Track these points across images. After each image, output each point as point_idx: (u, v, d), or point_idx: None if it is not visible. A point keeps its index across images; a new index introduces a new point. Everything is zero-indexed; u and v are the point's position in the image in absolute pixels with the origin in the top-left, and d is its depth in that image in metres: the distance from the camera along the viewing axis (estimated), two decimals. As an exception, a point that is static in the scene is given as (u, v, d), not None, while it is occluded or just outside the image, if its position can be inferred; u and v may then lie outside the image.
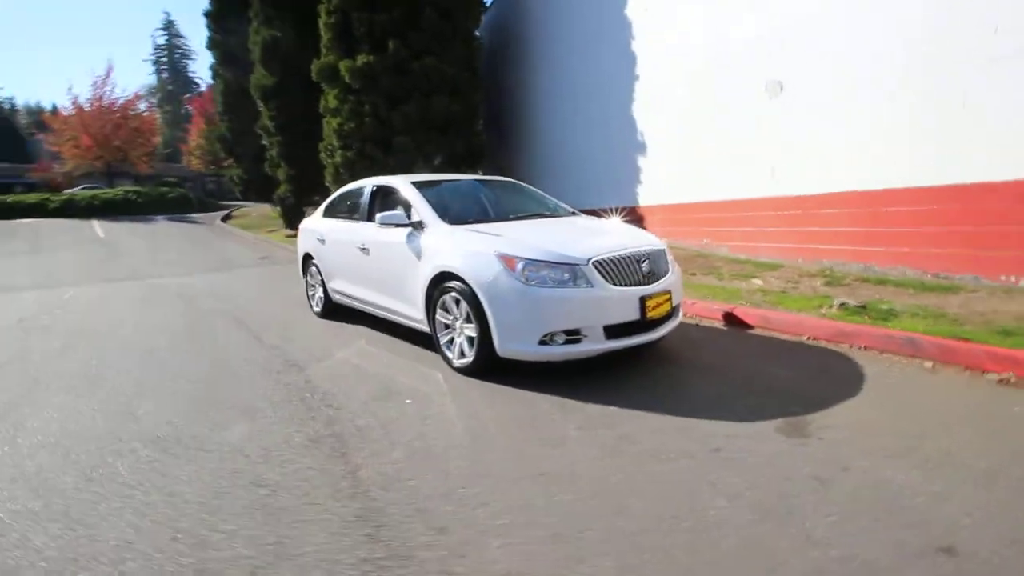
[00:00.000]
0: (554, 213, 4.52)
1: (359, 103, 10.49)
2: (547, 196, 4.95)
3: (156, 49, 65.72)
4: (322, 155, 11.49)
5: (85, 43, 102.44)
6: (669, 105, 8.07)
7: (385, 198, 4.55)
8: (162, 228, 19.40)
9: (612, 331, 3.20)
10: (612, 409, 2.91)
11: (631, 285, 3.29)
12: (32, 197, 24.18)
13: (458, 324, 3.53)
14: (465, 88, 10.90)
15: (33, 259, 12.41)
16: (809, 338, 4.00)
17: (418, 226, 3.91)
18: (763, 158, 6.62)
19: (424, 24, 10.23)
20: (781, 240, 6.52)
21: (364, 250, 4.46)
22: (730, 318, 4.53)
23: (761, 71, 6.53)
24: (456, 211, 4.10)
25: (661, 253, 3.62)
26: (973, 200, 4.69)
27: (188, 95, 56.61)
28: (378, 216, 4.02)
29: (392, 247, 4.08)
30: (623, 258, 3.32)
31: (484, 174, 8.93)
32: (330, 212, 5.44)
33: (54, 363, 4.28)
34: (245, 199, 21.52)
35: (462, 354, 3.52)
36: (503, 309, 3.19)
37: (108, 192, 25.18)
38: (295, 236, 14.34)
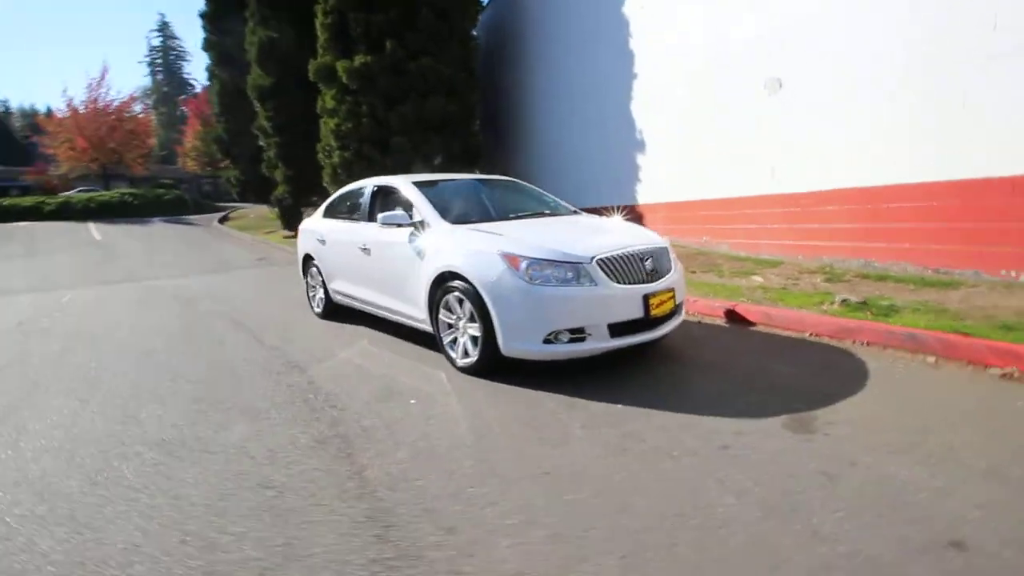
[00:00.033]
0: (555, 212, 4.52)
1: (356, 103, 10.47)
2: (547, 194, 4.95)
3: (151, 51, 65.61)
4: (320, 156, 11.47)
5: (80, 45, 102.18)
6: (668, 104, 8.07)
7: (386, 198, 4.54)
8: (158, 230, 19.34)
9: (616, 329, 3.20)
10: (617, 407, 2.91)
11: (634, 283, 3.29)
12: (28, 200, 24.08)
13: (461, 324, 3.53)
14: (462, 88, 10.89)
15: (30, 262, 12.36)
16: (811, 334, 4.01)
17: (420, 226, 3.90)
18: (763, 156, 6.63)
19: (421, 24, 10.22)
20: (781, 237, 6.54)
21: (366, 250, 4.45)
22: (732, 315, 4.53)
23: (760, 70, 6.54)
24: (457, 210, 4.09)
25: (664, 251, 3.62)
26: (973, 196, 4.71)
27: (183, 96, 56.47)
28: (380, 216, 4.01)
29: (394, 247, 4.08)
30: (626, 256, 3.32)
31: (482, 174, 8.93)
32: (330, 213, 5.43)
33: (53, 366, 4.26)
34: (242, 200, 21.48)
35: (466, 354, 3.51)
36: (507, 308, 3.19)
37: (104, 194, 25.10)
38: (293, 237, 14.39)
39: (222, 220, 22.63)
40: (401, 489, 2.20)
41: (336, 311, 5.32)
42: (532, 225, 4.00)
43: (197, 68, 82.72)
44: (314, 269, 5.49)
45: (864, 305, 4.31)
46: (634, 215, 8.32)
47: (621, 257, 3.30)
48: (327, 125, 11.01)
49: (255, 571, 1.75)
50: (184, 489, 2.28)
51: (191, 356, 4.41)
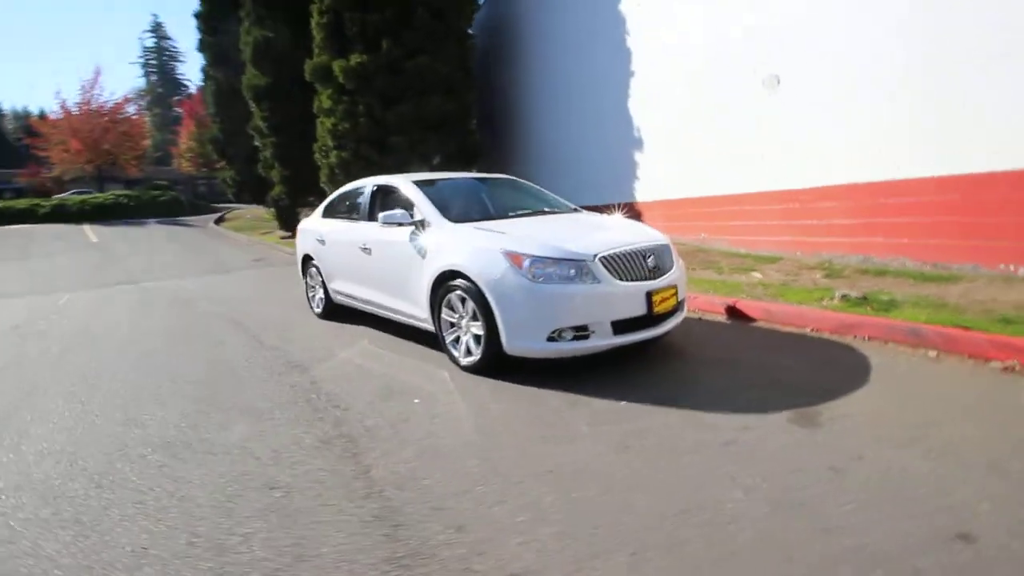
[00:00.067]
0: (555, 209, 4.52)
1: (353, 103, 10.43)
2: (547, 192, 4.94)
3: (144, 52, 65.23)
4: (316, 156, 11.42)
5: (72, 47, 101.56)
6: (665, 101, 8.07)
7: (386, 198, 4.53)
8: (154, 231, 19.24)
9: (619, 326, 3.20)
10: (621, 404, 2.92)
11: (637, 280, 3.30)
12: (22, 202, 23.92)
13: (464, 322, 3.53)
14: (459, 87, 10.86)
15: (25, 265, 12.28)
16: (812, 330, 4.02)
17: (421, 225, 3.90)
18: (761, 153, 6.64)
19: (417, 23, 10.18)
20: (780, 233, 6.55)
21: (366, 250, 4.44)
22: (732, 311, 4.54)
23: (758, 67, 6.54)
24: (458, 209, 4.09)
25: (665, 248, 3.62)
26: (971, 190, 4.72)
27: (177, 97, 56.22)
28: (380, 215, 4.00)
29: (395, 246, 4.07)
30: (629, 253, 3.32)
31: (480, 173, 8.91)
32: (329, 213, 5.41)
33: (52, 368, 4.24)
34: (238, 201, 21.38)
35: (468, 352, 3.51)
36: (510, 306, 3.19)
37: (99, 196, 24.95)
38: (290, 238, 14.35)
39: (218, 221, 22.53)
40: (408, 488, 2.20)
41: (336, 311, 5.30)
42: (533, 223, 4.00)
43: (191, 69, 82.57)
44: (313, 269, 5.47)
45: (864, 300, 4.33)
46: (632, 212, 8.31)
47: (624, 254, 3.30)
48: (324, 125, 10.97)
49: (265, 572, 1.75)
50: (190, 490, 2.27)
51: (191, 357, 4.39)
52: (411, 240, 3.91)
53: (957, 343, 3.30)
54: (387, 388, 3.40)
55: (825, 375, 3.18)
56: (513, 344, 3.23)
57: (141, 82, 63.03)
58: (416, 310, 3.96)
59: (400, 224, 3.98)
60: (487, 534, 1.88)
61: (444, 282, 3.59)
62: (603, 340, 3.20)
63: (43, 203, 23.61)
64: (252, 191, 17.50)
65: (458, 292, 3.48)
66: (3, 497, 2.29)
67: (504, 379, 3.34)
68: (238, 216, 24.09)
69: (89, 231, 18.95)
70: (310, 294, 5.69)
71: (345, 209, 5.19)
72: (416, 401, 3.15)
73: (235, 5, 14.36)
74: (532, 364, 3.39)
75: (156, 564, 1.81)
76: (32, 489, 2.35)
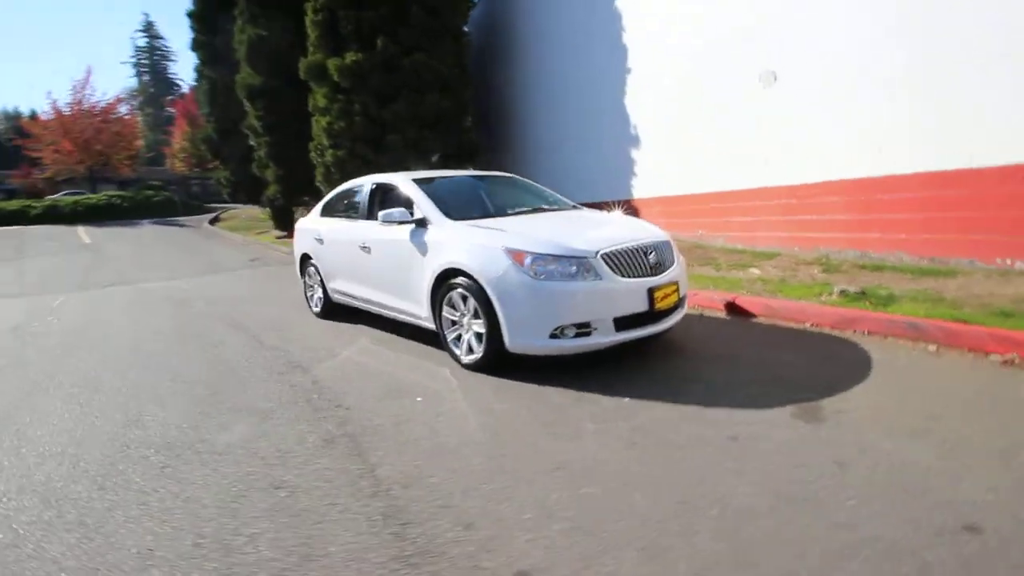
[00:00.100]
0: (556, 207, 4.51)
1: (349, 101, 10.38)
2: (546, 190, 4.94)
3: (136, 51, 64.79)
4: (312, 155, 11.37)
5: (63, 47, 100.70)
6: (663, 98, 8.08)
7: (385, 196, 4.51)
8: (149, 232, 19.13)
9: (622, 323, 3.21)
10: (625, 401, 2.92)
11: (639, 277, 3.30)
12: (13, 204, 23.75)
13: (465, 320, 3.52)
14: (455, 85, 10.83)
15: (19, 266, 12.18)
16: (812, 325, 4.04)
17: (422, 223, 3.88)
18: (757, 149, 6.66)
19: (412, 21, 10.15)
20: (777, 229, 6.57)
21: (365, 249, 4.42)
22: (732, 307, 4.55)
23: (755, 63, 6.56)
24: (458, 207, 4.07)
25: (666, 244, 3.63)
26: (967, 185, 4.75)
27: (170, 97, 55.87)
28: (380, 214, 3.98)
29: (395, 245, 4.05)
30: (630, 250, 3.32)
31: (478, 171, 8.90)
32: (327, 211, 5.39)
33: (50, 370, 4.20)
34: (233, 201, 21.26)
35: (470, 350, 3.50)
36: (512, 304, 3.18)
37: (92, 197, 24.81)
38: (285, 237, 14.32)
39: (213, 221, 22.42)
40: (415, 486, 2.19)
41: (335, 310, 5.28)
42: (534, 220, 3.99)
43: (183, 68, 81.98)
44: (312, 269, 5.45)
45: (863, 295, 4.34)
46: (629, 210, 8.31)
47: (625, 251, 3.30)
48: (319, 124, 10.92)
49: (273, 572, 1.74)
50: (194, 491, 2.26)
51: (190, 358, 4.36)
52: (411, 238, 3.90)
53: (957, 337, 3.32)
54: (389, 387, 3.39)
55: (826, 370, 3.19)
56: (515, 341, 3.23)
57: (133, 82, 62.65)
58: (417, 308, 3.95)
59: (400, 222, 3.96)
60: (495, 531, 1.88)
61: (445, 280, 3.58)
62: (606, 337, 3.20)
63: (35, 204, 23.45)
64: (247, 191, 17.40)
65: (459, 290, 3.47)
66: (5, 500, 2.27)
67: (506, 377, 3.34)
68: (233, 216, 23.98)
69: (82, 232, 18.82)
70: (308, 293, 5.67)
71: (343, 208, 5.17)
72: (419, 399, 3.15)
73: (229, 3, 14.26)
74: (533, 361, 3.39)
75: (162, 565, 1.80)
76: (34, 491, 2.33)
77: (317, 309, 5.49)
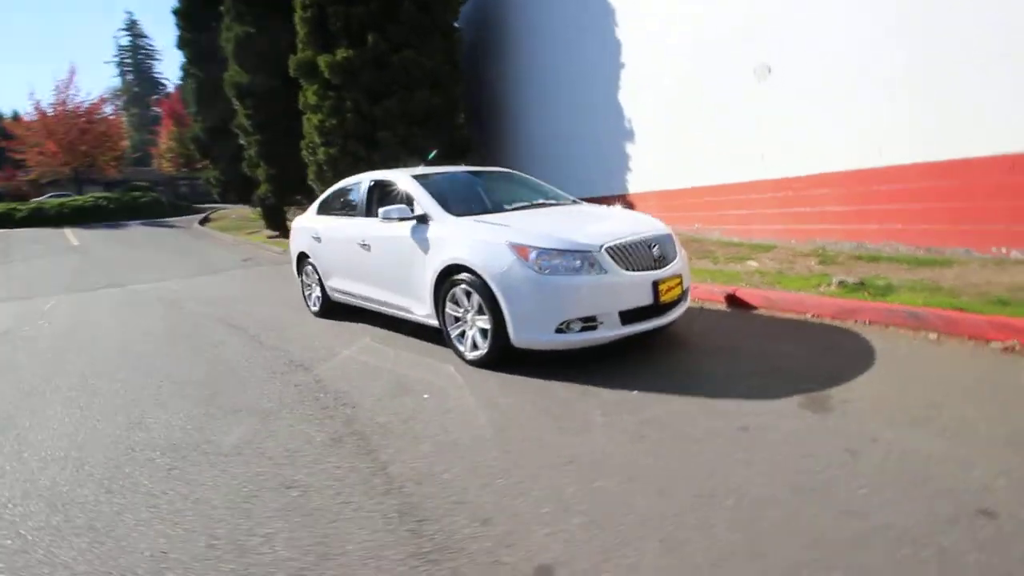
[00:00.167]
0: (555, 201, 4.50)
1: (340, 99, 10.29)
2: (544, 184, 4.92)
3: (119, 50, 63.81)
4: (304, 153, 11.26)
5: (45, 47, 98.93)
6: (656, 92, 8.08)
7: (383, 193, 4.48)
8: (137, 233, 18.90)
9: (627, 316, 3.21)
10: (631, 394, 2.92)
11: (643, 270, 3.30)
12: (-2, 207, 23.35)
13: (469, 316, 3.51)
14: (446, 81, 10.76)
15: (6, 270, 11.98)
16: (812, 316, 4.06)
17: (422, 219, 3.86)
18: (753, 142, 6.67)
19: (403, 17, 10.06)
20: (773, 222, 6.60)
21: (365, 246, 4.39)
22: (732, 300, 4.57)
23: (749, 57, 6.57)
24: (459, 203, 4.05)
25: (669, 237, 3.63)
26: (962, 175, 4.79)
27: (155, 96, 55.16)
28: (381, 211, 3.95)
29: (395, 242, 4.03)
30: (634, 243, 3.33)
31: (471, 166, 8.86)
32: (324, 209, 5.35)
33: (47, 374, 4.14)
34: (224, 201, 21.05)
35: (475, 346, 3.49)
36: (517, 299, 3.17)
37: (78, 199, 24.47)
38: (277, 237, 14.22)
39: (203, 221, 22.20)
40: (428, 483, 2.18)
41: (333, 309, 5.25)
42: (536, 215, 3.98)
43: (168, 67, 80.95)
44: (309, 267, 5.40)
45: (861, 286, 4.38)
46: (625, 204, 8.32)
47: (629, 244, 3.30)
48: (310, 121, 10.81)
49: (291, 572, 1.72)
50: (204, 492, 2.23)
51: (189, 359, 4.31)
52: (412, 235, 3.87)
53: (957, 325, 3.35)
54: (394, 385, 3.38)
55: (830, 360, 3.21)
56: (521, 337, 3.22)
57: (117, 81, 61.75)
58: (419, 306, 3.93)
59: (401, 219, 3.93)
60: (513, 526, 1.87)
61: (448, 276, 3.56)
62: (611, 331, 3.20)
63: (20, 207, 23.07)
64: (237, 190, 17.22)
65: (463, 286, 3.46)
66: (10, 506, 2.23)
67: (510, 372, 3.33)
68: (223, 216, 23.75)
69: (70, 234, 18.56)
70: (306, 292, 5.63)
71: (340, 206, 5.13)
72: (425, 396, 3.13)
73: (215, 0, 14.08)
74: (536, 356, 3.39)
75: (177, 568, 1.78)
76: (39, 496, 2.30)
77: (315, 308, 5.45)
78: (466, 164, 11.37)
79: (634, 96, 8.54)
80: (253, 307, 6.39)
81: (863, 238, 5.68)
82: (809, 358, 3.29)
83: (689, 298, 3.85)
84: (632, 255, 3.29)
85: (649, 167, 8.45)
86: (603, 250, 3.19)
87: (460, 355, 3.61)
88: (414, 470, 2.30)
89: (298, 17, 10.57)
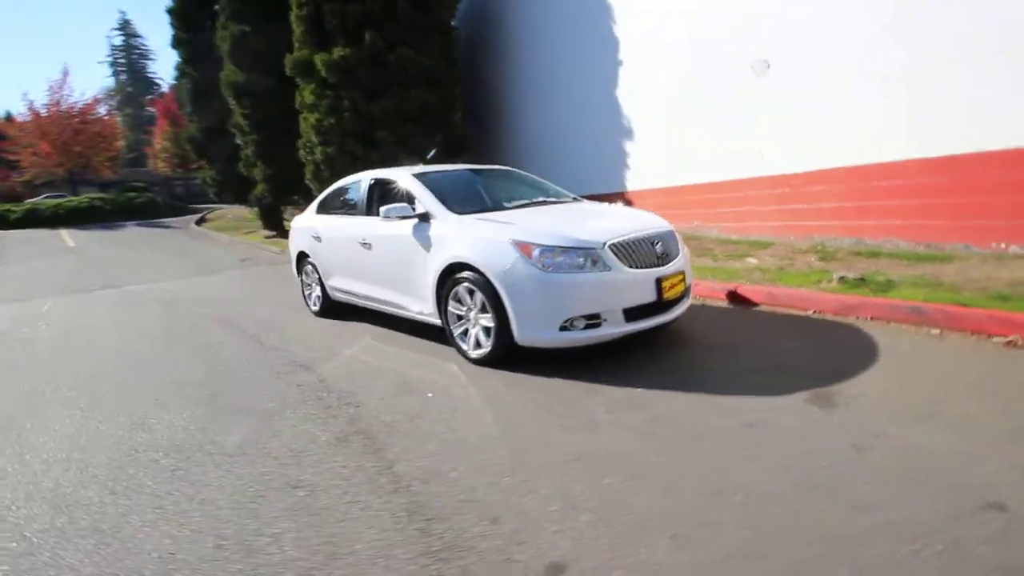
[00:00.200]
0: (556, 199, 4.49)
1: (337, 97, 10.25)
2: (545, 182, 4.92)
3: (113, 50, 63.42)
4: (301, 152, 11.22)
5: (37, 47, 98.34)
6: (653, 89, 8.08)
7: (384, 191, 4.46)
8: (134, 234, 18.83)
9: (631, 314, 3.21)
10: (637, 391, 2.92)
11: (646, 267, 3.29)
12: (-8, 208, 23.20)
13: (472, 315, 3.50)
14: (443, 79, 10.74)
15: (2, 271, 11.91)
16: (815, 312, 4.07)
17: (424, 218, 3.85)
18: (753, 145, 6.67)
19: (400, 15, 10.03)
20: (772, 219, 6.61)
21: (366, 245, 4.37)
22: (734, 297, 4.58)
23: (747, 54, 6.56)
24: (460, 201, 4.03)
25: (671, 234, 3.63)
26: (961, 171, 4.81)
27: (150, 96, 54.87)
28: (382, 209, 3.93)
29: (397, 240, 4.01)
30: (637, 240, 3.32)
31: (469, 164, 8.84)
32: (324, 209, 5.33)
33: (47, 375, 4.11)
34: (220, 201, 20.96)
35: (478, 345, 3.48)
36: (521, 297, 3.16)
37: (73, 200, 24.35)
38: (274, 237, 14.18)
39: (199, 222, 22.11)
40: (436, 482, 2.17)
41: (334, 309, 5.23)
42: (538, 213, 3.97)
43: (162, 67, 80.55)
44: (309, 267, 5.38)
45: (862, 281, 4.38)
46: (623, 202, 8.32)
47: (632, 241, 3.30)
48: (307, 121, 10.77)
49: (300, 571, 1.71)
50: (210, 493, 2.22)
51: (189, 360, 4.29)
52: (414, 233, 3.86)
53: (959, 320, 3.36)
54: (398, 383, 3.36)
55: (834, 356, 3.21)
56: (525, 335, 3.21)
57: (110, 81, 61.38)
58: (421, 304, 3.92)
59: (402, 217, 3.91)
60: (521, 524, 1.87)
61: (451, 275, 3.55)
62: (616, 328, 3.19)
63: (15, 208, 22.95)
64: (234, 190, 17.13)
65: (466, 284, 3.45)
66: (14, 508, 2.21)
67: (514, 370, 3.33)
68: (219, 216, 23.67)
69: (66, 235, 18.48)
70: (306, 292, 5.61)
71: (340, 204, 5.11)
72: (430, 395, 3.12)
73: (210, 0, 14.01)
74: (540, 354, 3.38)
75: (185, 569, 1.77)
76: (43, 498, 2.28)
77: (316, 307, 5.43)
78: (463, 162, 11.39)
79: (631, 93, 8.54)
80: (253, 307, 6.37)
81: (862, 234, 5.69)
82: (812, 354, 3.29)
83: (691, 295, 3.84)
84: (635, 252, 3.28)
85: (646, 164, 8.45)
86: (607, 247, 3.18)
87: (463, 353, 3.60)
88: (421, 469, 2.29)
89: (294, 15, 10.53)
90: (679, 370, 3.23)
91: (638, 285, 3.22)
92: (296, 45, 10.69)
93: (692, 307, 4.32)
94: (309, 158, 11.00)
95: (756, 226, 6.85)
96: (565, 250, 3.15)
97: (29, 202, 25.11)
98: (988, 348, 3.14)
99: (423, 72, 10.27)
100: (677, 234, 3.76)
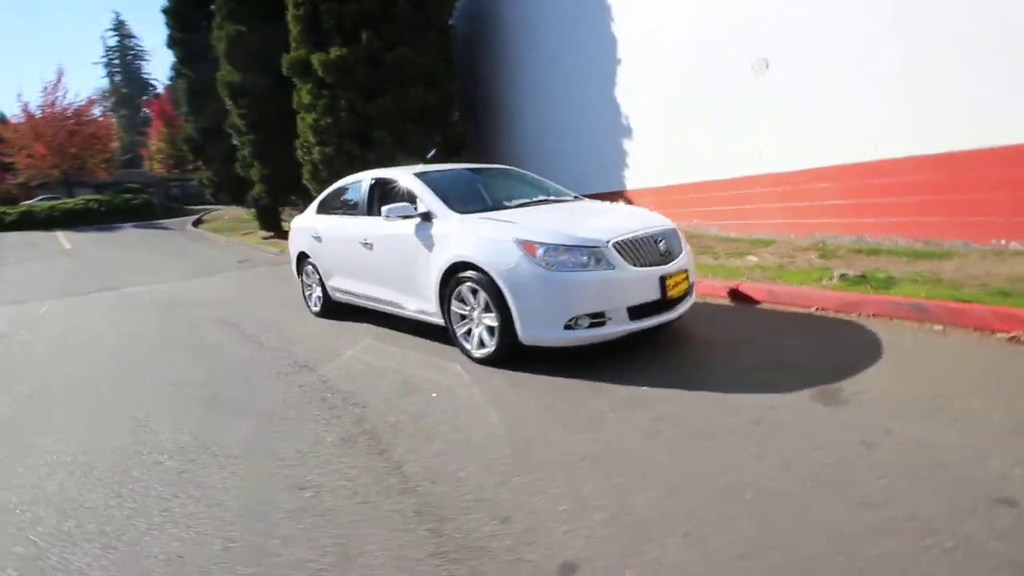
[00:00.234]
0: (558, 198, 4.49)
1: (334, 97, 10.22)
2: (545, 180, 4.91)
3: (107, 51, 63.06)
4: (298, 152, 11.19)
5: (31, 48, 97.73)
6: (652, 88, 8.08)
7: (385, 191, 4.45)
8: (130, 236, 18.75)
9: (635, 312, 3.20)
10: (642, 390, 2.92)
11: (650, 265, 3.29)
12: (-13, 210, 23.06)
13: (476, 314, 3.49)
14: (441, 78, 10.72)
15: (-3, 274, 11.85)
16: (817, 309, 4.07)
17: (426, 217, 3.84)
18: (753, 145, 6.67)
19: (397, 14, 10.01)
20: (772, 216, 6.62)
21: (367, 245, 4.36)
22: (736, 295, 4.58)
23: (746, 53, 6.57)
24: (462, 200, 4.02)
25: (674, 232, 3.63)
26: (960, 167, 4.82)
27: (145, 97, 54.61)
28: (384, 209, 3.92)
29: (399, 240, 4.00)
30: (641, 239, 3.32)
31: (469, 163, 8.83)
32: (324, 209, 5.31)
33: (46, 378, 4.09)
34: (217, 202, 20.89)
35: (482, 344, 3.48)
36: (525, 296, 3.16)
37: (68, 202, 24.23)
38: (272, 238, 14.14)
39: (196, 223, 22.03)
40: (444, 482, 2.17)
41: (334, 309, 5.21)
42: (540, 212, 3.96)
43: (157, 68, 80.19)
44: (310, 267, 5.37)
45: (863, 279, 4.39)
46: (623, 201, 8.33)
47: (636, 240, 3.30)
48: (304, 121, 10.74)
49: (311, 573, 1.71)
50: (216, 495, 2.21)
51: (189, 361, 4.27)
52: (416, 233, 3.85)
53: (962, 316, 3.37)
54: (402, 384, 3.36)
55: (838, 353, 3.22)
56: (529, 333, 3.21)
57: (105, 82, 61.04)
58: (423, 304, 3.91)
59: (404, 217, 3.90)
60: (532, 524, 1.86)
61: (454, 274, 3.54)
62: (620, 326, 3.19)
63: (9, 211, 22.81)
64: (231, 191, 17.07)
65: (469, 284, 3.44)
66: (19, 511, 2.20)
67: (517, 369, 3.32)
68: (216, 217, 23.59)
69: (61, 237, 18.38)
70: (307, 292, 5.59)
71: (341, 205, 5.10)
72: (434, 395, 3.12)
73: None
74: (543, 353, 3.38)
75: (194, 572, 1.76)
76: (48, 502, 2.27)
77: (316, 308, 5.41)
78: (462, 161, 11.38)
79: (630, 92, 8.54)
80: (252, 308, 6.35)
81: (862, 231, 5.70)
82: (816, 351, 3.29)
83: (694, 293, 3.84)
84: (639, 250, 3.28)
85: (645, 163, 8.46)
86: (610, 245, 3.18)
87: (466, 353, 3.59)
88: (428, 469, 2.28)
89: (291, 15, 10.49)
90: (683, 368, 3.23)
91: (642, 283, 3.22)
92: (293, 45, 10.65)
93: (694, 305, 4.31)
94: (306, 158, 10.96)
95: (756, 224, 6.86)
96: (569, 248, 3.15)
97: (24, 204, 24.95)
98: (992, 344, 3.15)
99: (421, 71, 10.24)
100: (680, 232, 3.76)
